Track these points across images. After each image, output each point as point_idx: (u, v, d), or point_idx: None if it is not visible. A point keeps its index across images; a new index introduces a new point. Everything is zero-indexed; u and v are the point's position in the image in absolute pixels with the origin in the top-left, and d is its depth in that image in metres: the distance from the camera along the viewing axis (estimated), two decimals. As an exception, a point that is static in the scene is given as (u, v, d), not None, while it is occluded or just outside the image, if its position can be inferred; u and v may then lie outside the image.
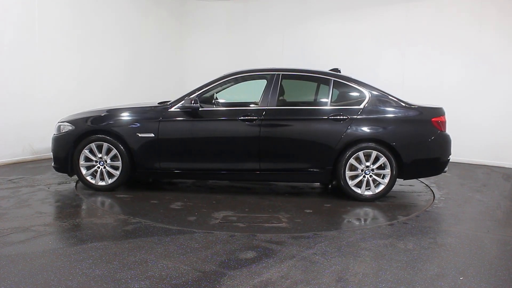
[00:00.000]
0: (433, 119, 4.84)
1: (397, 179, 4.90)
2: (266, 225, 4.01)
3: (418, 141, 4.83)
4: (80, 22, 7.29)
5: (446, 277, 2.97)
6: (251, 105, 5.13)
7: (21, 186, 5.15)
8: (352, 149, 4.76)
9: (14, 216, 4.01)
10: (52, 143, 5.14)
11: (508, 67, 7.18)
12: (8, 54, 6.25)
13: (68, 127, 5.05)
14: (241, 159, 4.92)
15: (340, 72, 5.33)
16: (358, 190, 4.82)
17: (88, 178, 5.00)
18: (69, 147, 4.97)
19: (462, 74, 7.53)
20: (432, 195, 5.27)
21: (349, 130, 4.77)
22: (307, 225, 4.02)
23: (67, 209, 4.37)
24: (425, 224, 4.16)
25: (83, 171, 4.98)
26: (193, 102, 4.82)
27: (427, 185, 5.73)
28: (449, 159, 4.99)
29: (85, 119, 5.08)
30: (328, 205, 4.70)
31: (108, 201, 4.76)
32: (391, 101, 4.91)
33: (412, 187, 5.64)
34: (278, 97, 4.97)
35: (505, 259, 3.34)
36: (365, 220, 4.34)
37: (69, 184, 5.34)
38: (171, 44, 9.53)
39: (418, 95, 7.35)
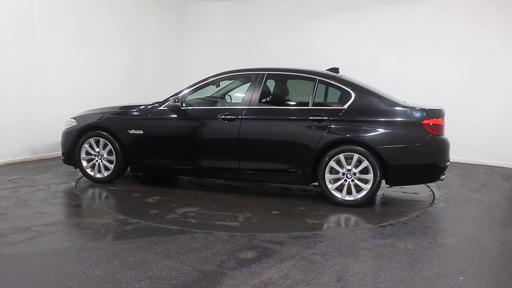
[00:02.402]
0: (424, 122, 4.49)
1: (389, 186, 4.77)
2: (218, 223, 4.03)
3: (405, 145, 4.47)
4: (80, 22, 7.28)
5: (446, 277, 2.97)
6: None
7: (21, 186, 5.15)
8: (332, 152, 4.56)
9: (14, 216, 4.02)
10: (61, 137, 5.57)
11: (508, 67, 7.18)
12: (8, 53, 6.25)
13: (73, 123, 5.49)
14: (221, 157, 4.98)
15: (338, 71, 5.26)
16: (338, 195, 4.60)
17: (88, 170, 5.39)
18: (72, 141, 5.37)
19: (462, 73, 7.53)
20: (432, 195, 5.27)
21: (328, 131, 4.58)
22: (259, 226, 3.96)
23: (67, 209, 4.37)
24: (425, 224, 4.16)
25: (84, 164, 5.38)
26: (176, 101, 5.04)
27: (427, 185, 5.73)
28: (444, 166, 4.64)
29: (87, 116, 5.49)
30: (302, 208, 4.56)
31: (94, 191, 5.11)
32: (380, 102, 4.63)
33: (413, 187, 5.63)
34: (261, 97, 4.95)
35: (505, 259, 3.34)
36: (320, 226, 4.06)
37: (69, 184, 5.35)
38: (172, 44, 9.53)
39: (418, 95, 7.37)
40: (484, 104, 7.36)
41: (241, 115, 4.85)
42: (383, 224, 4.12)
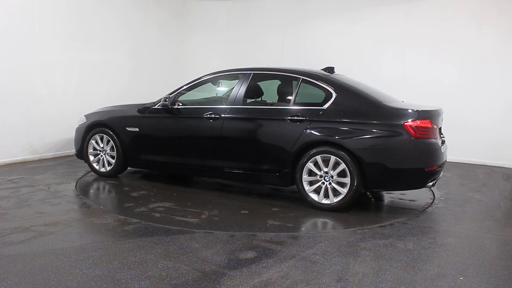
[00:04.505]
0: (405, 124, 4.19)
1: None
2: (178, 218, 4.12)
3: (383, 148, 4.23)
4: (80, 22, 7.27)
5: (446, 277, 2.97)
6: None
7: (21, 186, 5.15)
8: (309, 153, 4.43)
9: (14, 216, 4.02)
10: (74, 133, 5.97)
11: (507, 67, 7.17)
12: (8, 53, 6.24)
13: (83, 120, 5.86)
14: (206, 156, 5.06)
15: (334, 71, 5.16)
16: (316, 197, 4.43)
17: (94, 164, 5.76)
18: (82, 137, 5.76)
19: (462, 73, 7.53)
20: (432, 195, 5.27)
21: (305, 132, 4.45)
22: (216, 224, 3.98)
23: (67, 209, 4.37)
24: (425, 224, 4.16)
25: (91, 158, 5.76)
26: (166, 100, 5.24)
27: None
28: (431, 172, 4.31)
29: (95, 114, 5.83)
30: (275, 209, 4.49)
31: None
32: (361, 102, 4.46)
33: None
34: (245, 96, 4.96)
35: (505, 259, 3.34)
36: (279, 227, 3.94)
37: (69, 184, 5.35)
38: (172, 43, 9.52)
39: (418, 95, 7.36)
40: (484, 104, 7.36)
41: (224, 114, 4.89)
42: (383, 224, 4.12)
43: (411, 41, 7.81)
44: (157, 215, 4.21)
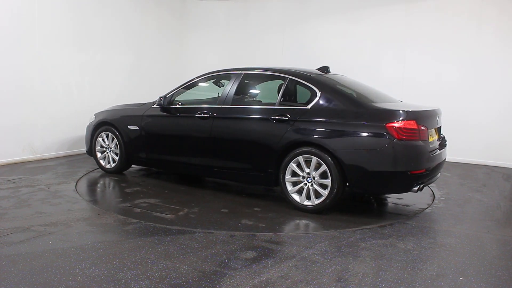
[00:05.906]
0: (388, 125, 4.01)
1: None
2: (155, 214, 4.22)
3: (364, 149, 4.07)
4: (80, 22, 7.27)
5: (446, 277, 2.97)
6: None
7: (21, 186, 5.15)
8: (292, 153, 4.39)
9: (14, 216, 4.02)
10: (85, 131, 6.24)
11: (507, 67, 7.17)
12: (8, 54, 6.24)
13: (93, 118, 6.10)
14: (198, 154, 5.14)
15: (329, 70, 5.13)
16: (297, 198, 4.39)
17: (101, 161, 6.00)
18: (91, 135, 6.02)
19: (462, 73, 7.53)
20: (432, 195, 5.27)
21: (288, 132, 4.40)
22: (189, 221, 4.03)
23: (67, 209, 4.37)
24: (425, 224, 4.16)
25: (98, 155, 6.00)
26: (161, 100, 5.40)
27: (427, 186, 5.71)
28: (416, 175, 4.11)
29: (103, 112, 6.05)
30: (256, 209, 4.48)
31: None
32: (344, 102, 4.34)
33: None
34: (234, 96, 4.98)
35: (505, 259, 3.34)
36: (250, 227, 3.94)
37: (69, 184, 5.35)
38: (172, 43, 9.52)
39: (418, 95, 7.36)
40: (484, 104, 7.36)
41: (214, 114, 4.96)
42: (383, 224, 4.12)
43: (411, 41, 7.81)
44: (137, 210, 4.32)
